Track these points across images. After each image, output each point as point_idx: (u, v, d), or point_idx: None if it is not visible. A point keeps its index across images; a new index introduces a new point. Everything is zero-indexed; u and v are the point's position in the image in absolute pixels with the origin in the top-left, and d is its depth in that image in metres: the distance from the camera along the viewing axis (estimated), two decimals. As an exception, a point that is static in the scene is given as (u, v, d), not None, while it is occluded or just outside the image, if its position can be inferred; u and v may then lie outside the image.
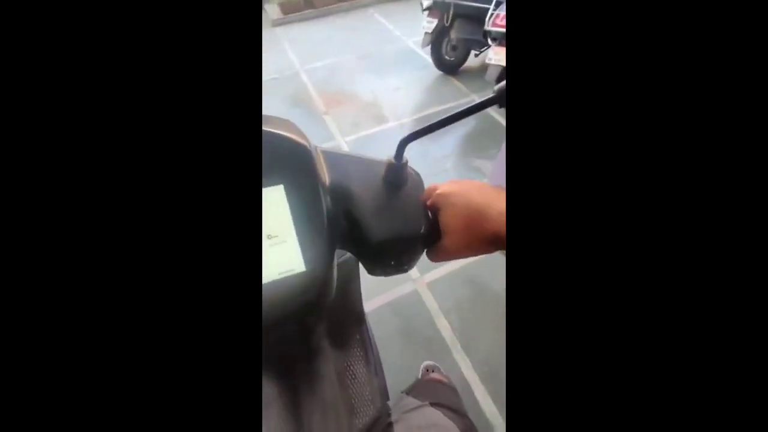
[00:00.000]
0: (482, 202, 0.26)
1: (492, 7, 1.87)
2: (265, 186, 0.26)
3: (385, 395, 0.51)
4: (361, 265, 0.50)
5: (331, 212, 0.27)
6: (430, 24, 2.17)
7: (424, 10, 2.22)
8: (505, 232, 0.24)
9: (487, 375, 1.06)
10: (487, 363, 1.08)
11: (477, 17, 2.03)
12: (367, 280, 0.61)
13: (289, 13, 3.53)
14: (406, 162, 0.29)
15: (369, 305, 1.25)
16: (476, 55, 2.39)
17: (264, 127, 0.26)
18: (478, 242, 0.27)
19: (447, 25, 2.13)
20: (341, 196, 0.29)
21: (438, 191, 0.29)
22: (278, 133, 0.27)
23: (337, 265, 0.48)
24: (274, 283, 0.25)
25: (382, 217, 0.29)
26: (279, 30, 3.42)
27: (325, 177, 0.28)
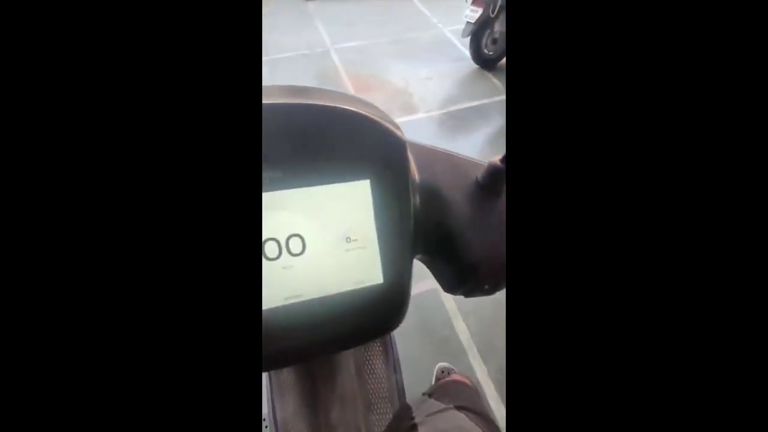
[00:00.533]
0: None
1: None
2: (351, 180, 0.21)
3: (402, 394, 0.49)
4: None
5: (419, 217, 0.23)
6: (473, 13, 2.07)
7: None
8: None
9: (503, 383, 1.04)
10: (502, 371, 1.06)
11: (525, 11, 1.93)
12: None
13: (323, -12, 3.40)
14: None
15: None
16: (516, 52, 2.29)
17: (350, 107, 0.22)
18: None
19: (492, 16, 2.03)
20: (431, 200, 0.24)
21: None
22: (370, 117, 0.22)
23: None
24: (346, 294, 0.21)
25: (481, 230, 0.25)
26: (311, 5, 3.31)
27: (416, 174, 0.24)
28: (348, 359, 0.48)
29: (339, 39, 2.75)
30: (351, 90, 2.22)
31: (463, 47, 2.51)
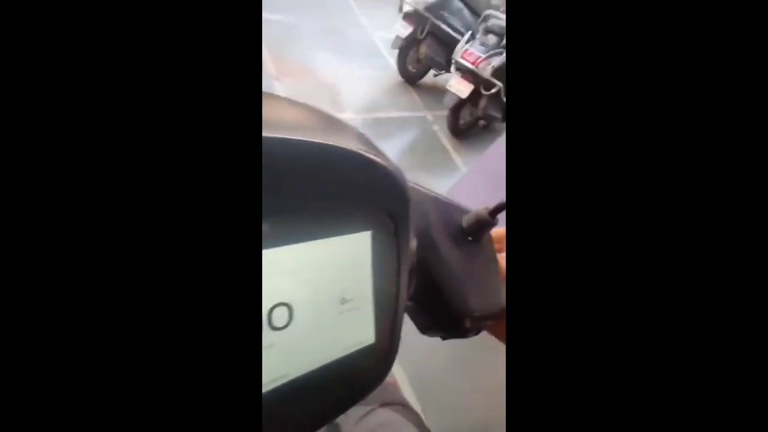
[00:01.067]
0: None
1: (464, 40, 2.03)
2: (350, 232, 0.18)
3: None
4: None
5: (414, 270, 0.22)
6: (404, 30, 2.19)
7: (402, 13, 2.23)
8: None
9: (417, 382, 1.17)
10: (418, 371, 1.18)
11: (448, 43, 2.17)
12: None
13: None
14: (497, 222, 0.26)
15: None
16: (435, 75, 2.55)
17: (348, 144, 0.18)
18: None
19: (420, 37, 2.20)
20: (425, 249, 0.23)
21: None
22: (373, 159, 0.19)
23: None
24: (336, 362, 0.19)
25: (473, 284, 0.24)
26: None
27: (413, 227, 0.22)
28: None
29: (267, 7, 2.42)
30: (273, 71, 2.01)
31: (389, 57, 2.62)
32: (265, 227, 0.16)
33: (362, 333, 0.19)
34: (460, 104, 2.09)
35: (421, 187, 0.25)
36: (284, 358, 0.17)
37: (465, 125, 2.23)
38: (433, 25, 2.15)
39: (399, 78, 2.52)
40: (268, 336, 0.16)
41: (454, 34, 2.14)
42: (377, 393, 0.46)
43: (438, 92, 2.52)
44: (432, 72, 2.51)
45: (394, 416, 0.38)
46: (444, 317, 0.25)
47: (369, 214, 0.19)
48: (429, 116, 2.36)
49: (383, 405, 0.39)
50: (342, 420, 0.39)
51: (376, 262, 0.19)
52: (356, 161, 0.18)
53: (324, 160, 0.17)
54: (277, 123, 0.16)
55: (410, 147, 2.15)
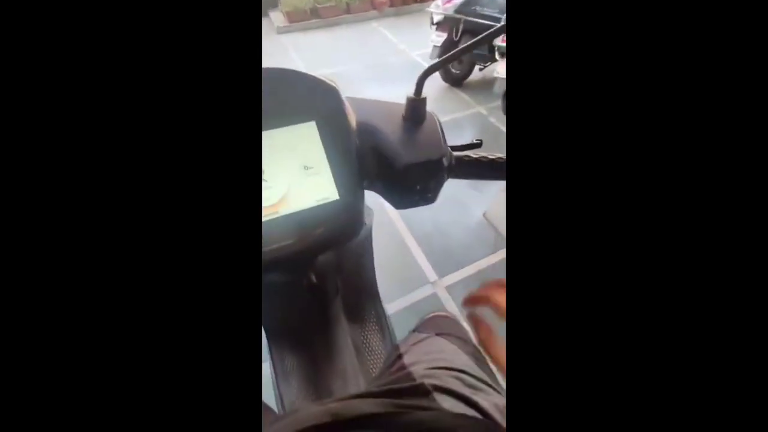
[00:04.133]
0: None
1: (502, 23, 1.96)
2: (300, 122, 0.28)
3: None
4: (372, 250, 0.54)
5: (360, 148, 0.30)
6: (439, 38, 2.25)
7: (434, 24, 2.31)
8: None
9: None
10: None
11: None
12: (385, 284, 0.61)
13: (294, 21, 3.58)
14: (425, 98, 0.31)
15: (389, 308, 1.24)
16: (480, 69, 2.49)
17: (297, 71, 0.28)
18: None
19: (456, 39, 2.22)
20: (368, 133, 0.31)
21: None
22: (311, 75, 0.29)
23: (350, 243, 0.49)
24: (312, 209, 0.28)
25: (406, 145, 0.31)
26: (284, 38, 3.46)
27: (353, 117, 0.30)
28: (346, 338, 0.51)
29: (314, 66, 2.87)
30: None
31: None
32: None
33: (327, 191, 0.29)
34: (512, 87, 1.96)
35: (368, 98, 0.34)
36: (274, 201, 0.27)
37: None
38: (467, 22, 2.15)
39: (444, 84, 2.56)
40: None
41: (491, 23, 2.09)
42: (434, 324, 0.48)
43: (487, 85, 2.46)
44: (477, 67, 2.46)
45: (449, 346, 0.38)
46: (393, 178, 0.32)
47: (311, 110, 0.28)
48: (483, 110, 2.29)
49: (439, 334, 0.41)
50: (401, 343, 0.43)
51: (325, 141, 0.28)
52: (298, 77, 0.28)
53: (278, 78, 0.28)
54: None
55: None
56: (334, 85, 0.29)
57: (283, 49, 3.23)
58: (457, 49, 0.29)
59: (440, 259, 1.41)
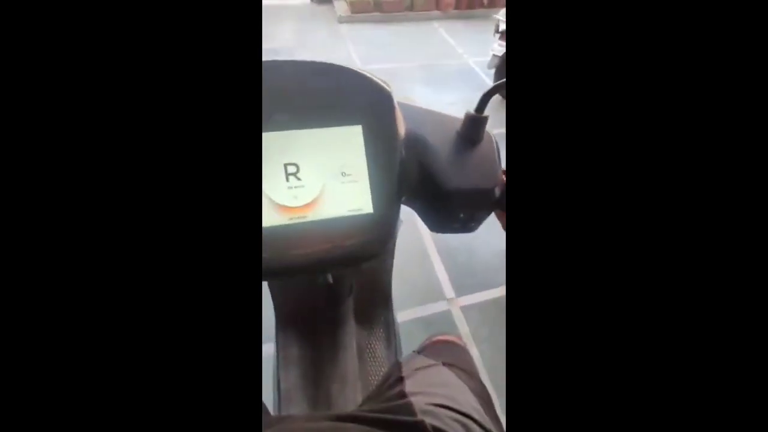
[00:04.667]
0: None
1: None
2: (345, 123, 0.26)
3: None
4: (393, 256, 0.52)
5: (405, 161, 0.28)
6: (501, 48, 2.16)
7: (497, 32, 2.21)
8: None
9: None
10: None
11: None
12: (399, 291, 0.57)
13: (357, 13, 3.61)
14: (487, 117, 0.29)
15: (400, 316, 1.23)
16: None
17: (339, 64, 0.27)
18: None
19: (519, 51, 2.12)
20: (416, 145, 0.29)
21: None
22: (366, 75, 0.27)
23: None
24: (342, 219, 0.26)
25: (456, 167, 0.29)
26: (344, 27, 3.50)
27: (402, 126, 0.28)
28: (351, 340, 0.50)
29: (368, 60, 2.88)
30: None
31: (487, 77, 2.60)
32: (286, 116, 0.24)
33: (361, 201, 0.27)
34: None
35: (421, 107, 0.32)
36: (304, 204, 0.25)
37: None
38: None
39: (498, 97, 2.46)
40: (294, 182, 0.25)
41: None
42: (442, 351, 0.46)
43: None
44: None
45: (455, 380, 0.36)
46: (436, 199, 0.29)
47: (359, 113, 0.26)
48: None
49: (446, 364, 0.38)
50: (404, 362, 0.41)
51: (368, 148, 0.26)
52: (349, 75, 0.26)
53: (326, 74, 0.26)
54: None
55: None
56: (388, 88, 0.28)
57: (340, 38, 3.27)
58: None
59: (461, 277, 1.36)
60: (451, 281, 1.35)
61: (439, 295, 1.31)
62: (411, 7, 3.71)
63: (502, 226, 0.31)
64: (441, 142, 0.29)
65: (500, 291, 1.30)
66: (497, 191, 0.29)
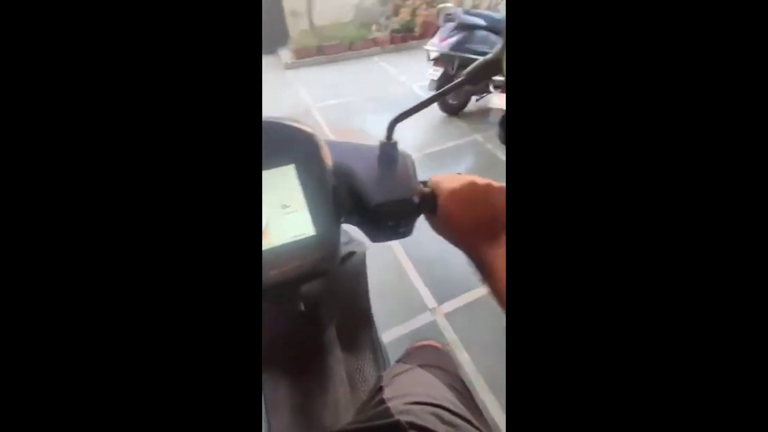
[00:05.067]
0: (484, 184, 0.32)
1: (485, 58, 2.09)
2: (279, 165, 0.31)
3: None
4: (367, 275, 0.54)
5: (336, 187, 0.33)
6: (436, 72, 2.39)
7: (430, 60, 2.46)
8: (504, 215, 0.25)
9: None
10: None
11: (479, 68, 2.25)
12: (381, 312, 0.60)
13: (301, 58, 3.83)
14: (396, 142, 0.35)
15: (387, 335, 1.22)
16: (477, 100, 2.61)
17: (271, 119, 0.32)
18: (476, 219, 0.31)
19: (452, 73, 2.35)
20: (343, 173, 0.34)
21: (441, 175, 0.35)
22: (290, 124, 0.32)
23: (344, 268, 0.52)
24: (288, 245, 0.31)
25: (378, 185, 0.34)
26: (291, 73, 3.69)
27: (329, 160, 0.33)
28: (339, 368, 0.51)
29: (320, 99, 3.03)
30: (332, 138, 2.40)
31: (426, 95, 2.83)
32: None
33: (303, 227, 0.32)
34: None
35: (345, 141, 0.38)
36: None
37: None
38: (461, 59, 2.29)
39: (443, 114, 2.67)
40: None
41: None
42: (419, 355, 0.48)
43: (484, 114, 2.56)
44: (474, 99, 2.58)
45: (429, 378, 0.38)
46: (368, 215, 0.34)
47: (289, 154, 0.31)
48: (480, 138, 2.37)
49: (422, 366, 0.40)
50: (384, 374, 0.42)
51: (303, 182, 0.31)
52: (279, 126, 0.31)
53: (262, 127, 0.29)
54: None
55: (470, 169, 2.16)
56: (311, 131, 0.33)
57: (289, 83, 3.43)
58: (427, 98, 0.33)
59: (440, 285, 1.40)
60: (431, 291, 1.39)
61: (422, 307, 1.33)
62: (350, 47, 4.00)
63: (432, 228, 0.36)
64: (364, 167, 0.35)
65: (479, 292, 1.35)
66: (416, 199, 0.34)
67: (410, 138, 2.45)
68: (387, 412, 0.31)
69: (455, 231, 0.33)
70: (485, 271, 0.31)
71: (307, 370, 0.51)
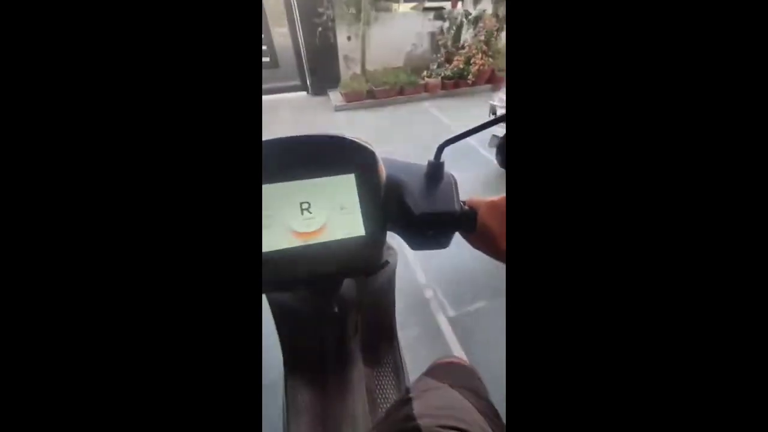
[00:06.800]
0: None
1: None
2: (342, 173, 0.40)
3: None
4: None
5: (386, 197, 0.41)
6: (501, 129, 2.20)
7: (493, 114, 2.28)
8: None
9: None
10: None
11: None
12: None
13: (351, 101, 3.86)
14: (443, 162, 0.40)
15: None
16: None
17: (344, 136, 0.39)
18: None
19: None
20: (394, 186, 0.41)
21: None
22: (354, 140, 0.41)
23: (376, 277, 0.54)
24: (340, 240, 0.39)
25: (424, 197, 0.40)
26: (340, 115, 3.70)
27: (383, 173, 0.41)
28: (360, 381, 0.52)
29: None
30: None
31: (486, 153, 2.63)
32: (301, 171, 0.39)
33: (354, 227, 0.40)
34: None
35: (399, 159, 0.45)
36: (311, 230, 0.39)
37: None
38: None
39: (501, 170, 2.44)
40: (306, 215, 0.39)
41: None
42: (449, 372, 0.50)
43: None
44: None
45: (462, 401, 0.38)
46: (411, 224, 0.40)
47: (352, 165, 0.41)
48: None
49: (453, 386, 0.41)
50: (412, 386, 0.44)
51: (359, 190, 0.41)
52: (343, 142, 0.41)
53: (326, 143, 0.41)
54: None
55: (483, 181, 1.90)
56: (371, 147, 0.41)
57: (337, 126, 3.41)
58: (477, 125, 0.35)
59: (453, 294, 1.29)
60: (445, 299, 1.24)
61: (428, 313, 1.11)
62: (401, 92, 4.00)
63: (470, 243, 0.41)
64: (412, 182, 0.40)
65: (487, 302, 1.30)
66: (456, 213, 0.39)
67: (464, 189, 2.22)
68: (416, 430, 0.32)
69: (494, 241, 0.35)
70: None
71: (329, 379, 0.52)
